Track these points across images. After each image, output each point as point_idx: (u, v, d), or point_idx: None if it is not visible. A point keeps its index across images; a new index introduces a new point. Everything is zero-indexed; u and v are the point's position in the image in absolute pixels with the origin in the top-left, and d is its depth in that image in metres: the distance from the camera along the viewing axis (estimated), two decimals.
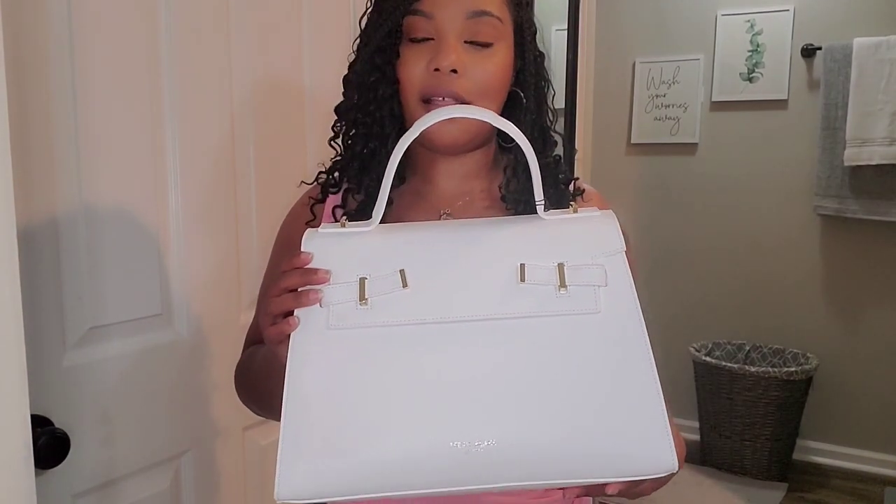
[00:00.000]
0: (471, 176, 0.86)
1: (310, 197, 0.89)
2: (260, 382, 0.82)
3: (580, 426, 0.59)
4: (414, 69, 0.78)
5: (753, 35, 3.02)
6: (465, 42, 0.77)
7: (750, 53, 3.04)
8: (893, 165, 2.71)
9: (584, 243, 0.68)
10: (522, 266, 0.66)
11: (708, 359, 2.94)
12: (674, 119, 3.21)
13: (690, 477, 2.87)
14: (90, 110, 0.97)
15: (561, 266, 0.66)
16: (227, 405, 1.14)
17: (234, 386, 0.92)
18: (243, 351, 0.93)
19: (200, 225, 1.14)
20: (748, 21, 3.02)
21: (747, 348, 3.14)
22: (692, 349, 3.05)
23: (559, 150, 0.87)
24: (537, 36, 0.84)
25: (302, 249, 0.68)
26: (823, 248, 3.01)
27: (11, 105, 0.71)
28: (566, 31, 2.36)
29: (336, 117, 0.85)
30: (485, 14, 0.77)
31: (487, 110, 0.70)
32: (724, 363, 2.87)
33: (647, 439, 0.59)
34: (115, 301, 1.02)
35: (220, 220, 1.18)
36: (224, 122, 1.17)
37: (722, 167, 3.15)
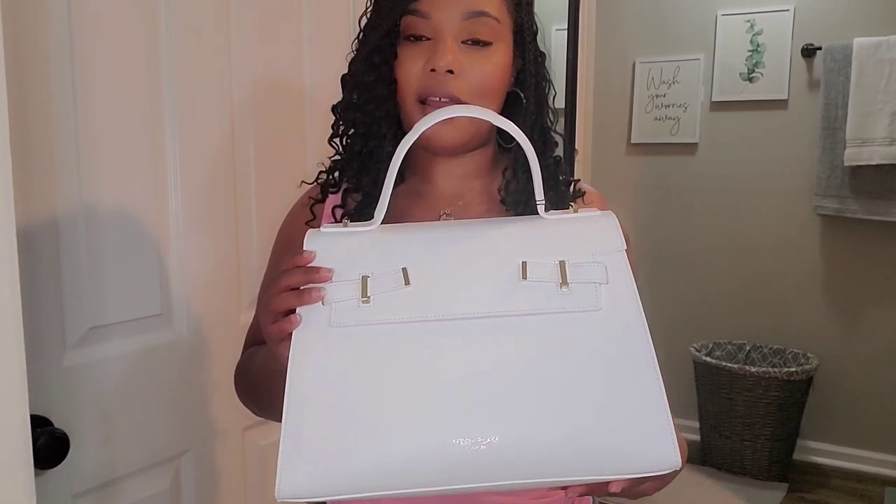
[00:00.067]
0: (470, 176, 0.86)
1: (310, 197, 0.89)
2: (260, 382, 0.82)
3: (581, 424, 0.59)
4: (411, 69, 0.78)
5: (753, 35, 3.02)
6: (463, 42, 0.77)
7: (750, 53, 3.04)
8: (893, 165, 2.71)
9: (585, 242, 0.68)
10: (524, 264, 0.66)
11: (708, 359, 2.94)
12: (674, 119, 3.21)
13: (690, 477, 2.87)
14: (90, 110, 0.97)
15: (562, 264, 0.66)
16: (227, 405, 1.14)
17: (233, 386, 0.92)
18: (243, 351, 0.93)
19: (200, 225, 1.14)
20: (748, 21, 3.02)
21: (747, 348, 3.14)
22: (692, 349, 3.05)
23: (559, 151, 0.87)
24: (538, 36, 0.84)
25: (304, 248, 0.68)
26: (823, 248, 3.01)
27: (11, 105, 0.71)
28: (566, 31, 2.37)
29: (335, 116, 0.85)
30: (482, 14, 0.77)
31: (488, 110, 0.70)
32: (724, 363, 2.87)
33: (650, 436, 0.59)
34: (115, 301, 1.02)
35: (220, 220, 1.18)
36: (224, 122, 1.17)
37: (722, 167, 3.15)
